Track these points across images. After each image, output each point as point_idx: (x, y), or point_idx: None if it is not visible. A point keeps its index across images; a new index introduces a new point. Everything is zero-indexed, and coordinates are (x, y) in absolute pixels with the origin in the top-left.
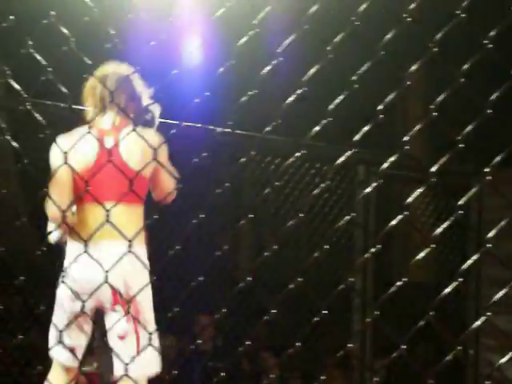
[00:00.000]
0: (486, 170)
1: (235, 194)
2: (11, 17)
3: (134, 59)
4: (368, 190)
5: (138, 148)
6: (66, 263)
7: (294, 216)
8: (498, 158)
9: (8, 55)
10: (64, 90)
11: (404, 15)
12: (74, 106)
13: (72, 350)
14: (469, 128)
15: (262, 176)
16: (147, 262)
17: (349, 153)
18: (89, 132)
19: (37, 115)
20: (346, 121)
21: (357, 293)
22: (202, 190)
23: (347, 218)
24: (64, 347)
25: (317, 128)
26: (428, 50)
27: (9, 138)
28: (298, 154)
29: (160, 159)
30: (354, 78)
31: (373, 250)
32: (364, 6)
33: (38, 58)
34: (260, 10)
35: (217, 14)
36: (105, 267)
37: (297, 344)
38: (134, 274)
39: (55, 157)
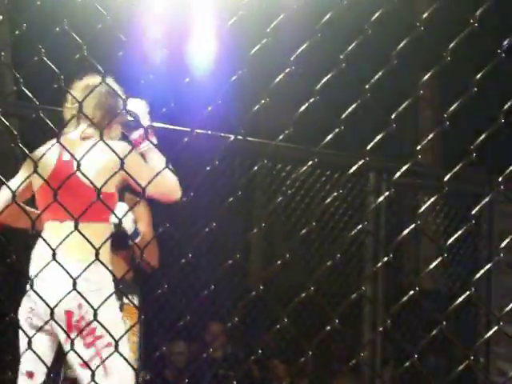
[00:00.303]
0: (499, 179)
1: (246, 201)
2: (24, 25)
3: (145, 66)
4: (381, 199)
5: (93, 162)
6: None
7: (305, 224)
8: (511, 168)
9: (20, 63)
10: (76, 97)
11: (417, 24)
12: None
13: (30, 375)
14: (482, 137)
15: (272, 183)
16: (107, 283)
17: (361, 162)
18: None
19: (48, 122)
20: (355, 127)
21: (368, 300)
22: (214, 198)
23: (359, 227)
24: (23, 376)
25: (330, 136)
26: (441, 60)
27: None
28: (310, 162)
29: (128, 170)
30: (366, 86)
31: (384, 259)
32: (377, 14)
33: (51, 65)
34: (273, 18)
35: (230, 23)
36: (58, 287)
37: (308, 353)
38: (88, 295)
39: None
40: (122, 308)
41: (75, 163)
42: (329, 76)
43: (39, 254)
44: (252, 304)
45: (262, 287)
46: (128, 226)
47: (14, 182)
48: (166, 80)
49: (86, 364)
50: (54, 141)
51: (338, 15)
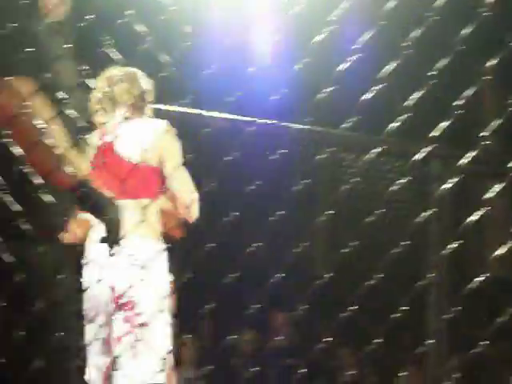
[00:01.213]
0: None
1: (311, 190)
2: (89, 16)
3: (209, 57)
4: (448, 185)
5: (138, 138)
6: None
7: (370, 211)
8: None
9: (86, 55)
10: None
11: (481, 9)
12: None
13: (100, 368)
14: None
15: (336, 172)
16: (162, 261)
17: (428, 148)
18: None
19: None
20: (418, 114)
21: (434, 288)
22: (280, 187)
23: (425, 214)
24: (92, 366)
25: (396, 124)
26: (506, 46)
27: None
28: (376, 150)
29: (167, 147)
30: (432, 73)
31: (452, 245)
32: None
33: (116, 57)
34: (336, 5)
35: (293, 11)
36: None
37: (377, 341)
38: (131, 270)
39: None
40: None
41: (116, 143)
42: (395, 64)
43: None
44: (319, 291)
45: (330, 274)
46: None
47: None
48: (230, 70)
49: (119, 338)
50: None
51: (401, 2)
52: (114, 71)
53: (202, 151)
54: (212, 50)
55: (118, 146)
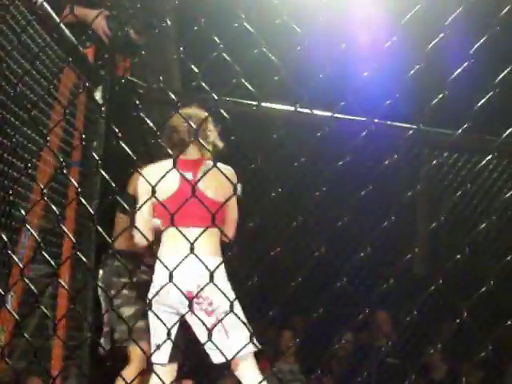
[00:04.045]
0: None
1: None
2: (202, 19)
3: (320, 61)
4: None
5: (215, 181)
6: (155, 278)
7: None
8: None
9: (199, 57)
10: (253, 90)
11: None
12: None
13: (158, 347)
14: None
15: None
16: (221, 272)
17: None
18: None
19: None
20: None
21: None
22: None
23: None
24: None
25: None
26: None
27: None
28: (490, 156)
29: (232, 188)
30: None
31: None
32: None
33: (229, 60)
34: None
35: (404, 20)
36: (184, 275)
37: (487, 347)
38: (206, 278)
39: (142, 188)
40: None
41: (202, 180)
42: (509, 68)
43: (169, 253)
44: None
45: (440, 281)
46: None
47: (145, 209)
48: (343, 73)
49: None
50: (166, 163)
51: None
52: (190, 111)
53: (314, 153)
54: (323, 53)
55: (200, 183)
